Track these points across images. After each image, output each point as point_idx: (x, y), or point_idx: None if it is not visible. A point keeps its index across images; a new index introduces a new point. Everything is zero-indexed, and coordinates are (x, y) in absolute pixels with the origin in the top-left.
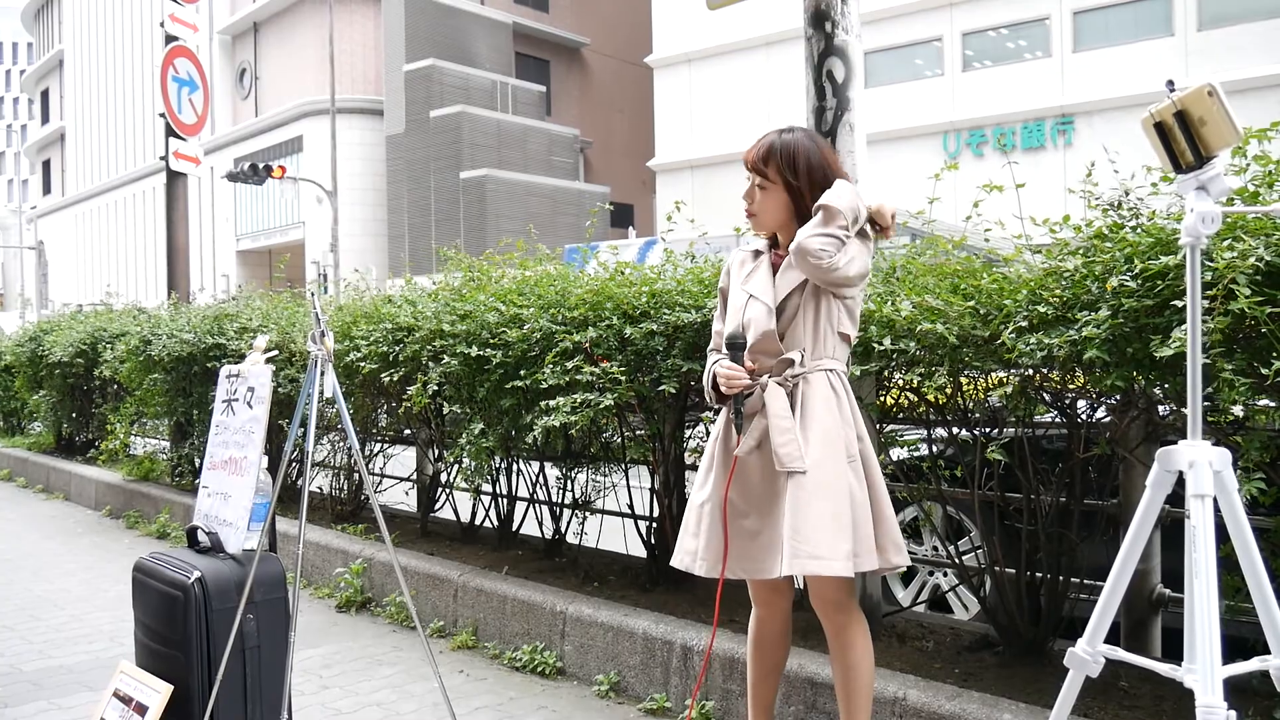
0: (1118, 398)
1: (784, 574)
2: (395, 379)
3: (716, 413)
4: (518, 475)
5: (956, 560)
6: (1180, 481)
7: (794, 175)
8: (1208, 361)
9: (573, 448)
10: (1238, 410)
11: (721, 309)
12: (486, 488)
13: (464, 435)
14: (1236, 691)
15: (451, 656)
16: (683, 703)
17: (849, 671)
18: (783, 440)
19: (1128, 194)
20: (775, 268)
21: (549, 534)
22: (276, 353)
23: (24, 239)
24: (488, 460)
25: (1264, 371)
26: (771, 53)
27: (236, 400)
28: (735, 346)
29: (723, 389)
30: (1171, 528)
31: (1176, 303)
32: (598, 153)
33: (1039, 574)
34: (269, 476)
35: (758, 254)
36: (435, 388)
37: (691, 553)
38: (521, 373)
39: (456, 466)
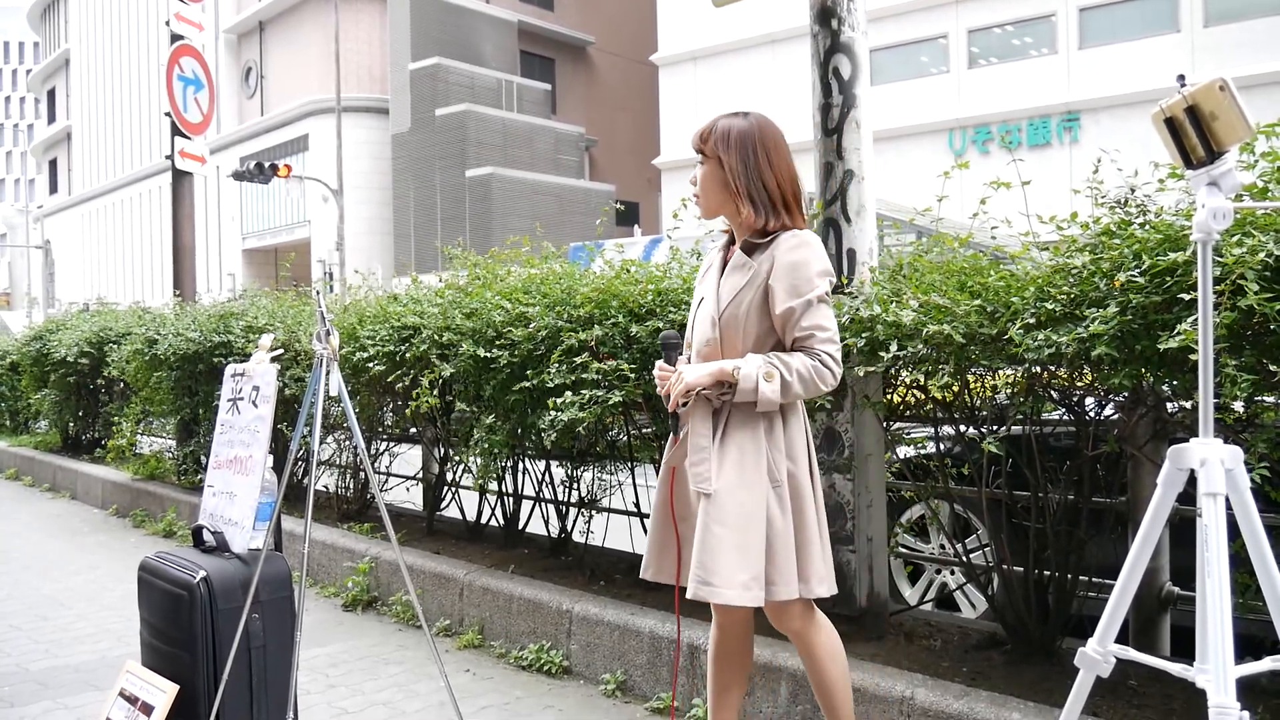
0: (1126, 395)
1: (688, 596)
2: (401, 379)
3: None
4: (524, 474)
5: (964, 558)
6: (1189, 479)
7: (725, 150)
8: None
9: (579, 446)
10: (1238, 406)
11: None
12: (493, 486)
13: (475, 432)
14: (1246, 690)
15: (457, 655)
16: (690, 701)
17: (819, 672)
18: (695, 459)
19: (1134, 191)
20: (724, 266)
21: (555, 533)
22: (282, 351)
23: (30, 238)
24: (495, 459)
25: (1272, 369)
26: (777, 50)
27: (242, 399)
28: (667, 347)
29: (657, 391)
30: (1179, 526)
31: (1184, 297)
32: (603, 151)
33: (1047, 572)
34: (274, 475)
35: (728, 247)
36: (441, 384)
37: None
38: (528, 372)
39: (462, 465)
